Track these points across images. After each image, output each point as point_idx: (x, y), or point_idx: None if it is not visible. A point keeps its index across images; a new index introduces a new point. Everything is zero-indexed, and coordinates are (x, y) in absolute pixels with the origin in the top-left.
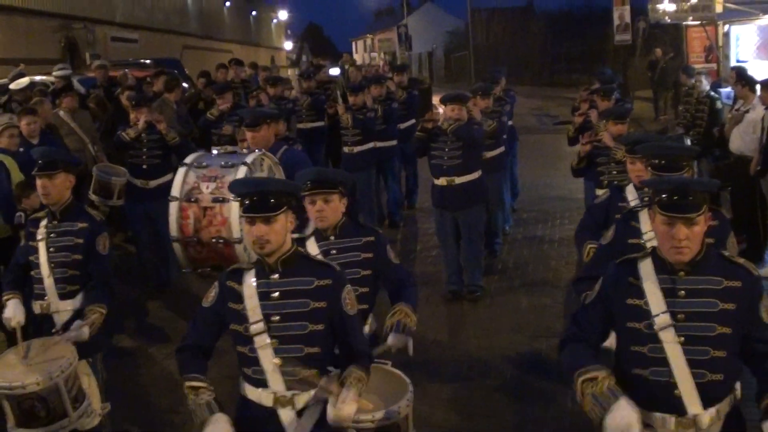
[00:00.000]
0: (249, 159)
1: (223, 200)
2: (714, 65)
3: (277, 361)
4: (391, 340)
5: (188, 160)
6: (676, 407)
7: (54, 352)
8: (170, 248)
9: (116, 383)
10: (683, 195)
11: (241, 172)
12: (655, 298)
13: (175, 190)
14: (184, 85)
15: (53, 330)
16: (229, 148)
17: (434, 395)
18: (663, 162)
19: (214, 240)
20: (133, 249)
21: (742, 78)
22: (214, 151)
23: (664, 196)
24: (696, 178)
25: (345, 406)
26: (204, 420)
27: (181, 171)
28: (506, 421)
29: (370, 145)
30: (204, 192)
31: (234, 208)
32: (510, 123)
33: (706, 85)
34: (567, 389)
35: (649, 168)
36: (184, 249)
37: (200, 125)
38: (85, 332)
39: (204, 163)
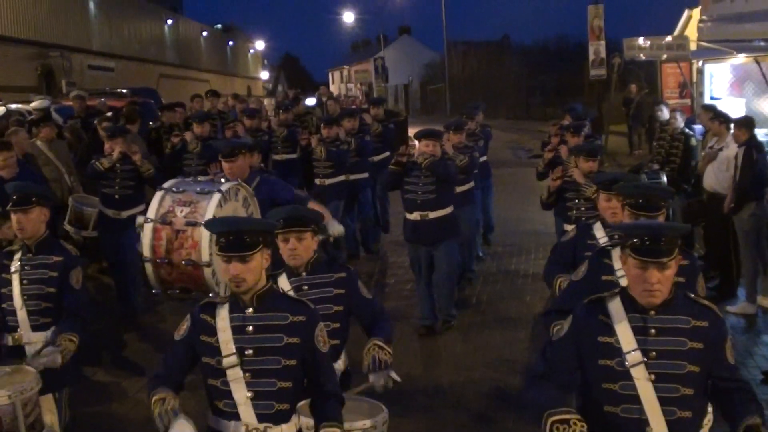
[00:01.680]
0: (224, 187)
1: (195, 224)
2: (688, 101)
3: (249, 394)
4: (372, 378)
5: (166, 185)
6: None
7: (16, 377)
8: (136, 276)
9: (89, 417)
10: (656, 240)
11: (215, 199)
12: (625, 336)
13: (151, 213)
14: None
15: (24, 361)
16: (201, 178)
17: (406, 429)
18: (641, 201)
19: (184, 262)
20: (108, 280)
21: (719, 115)
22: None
23: (636, 240)
24: (668, 223)
25: None
26: (167, 425)
27: (159, 195)
28: None
29: (342, 177)
30: (178, 216)
31: (205, 233)
32: (484, 159)
33: (680, 121)
34: (539, 426)
35: (626, 208)
36: (155, 269)
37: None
38: (58, 358)
39: (181, 189)
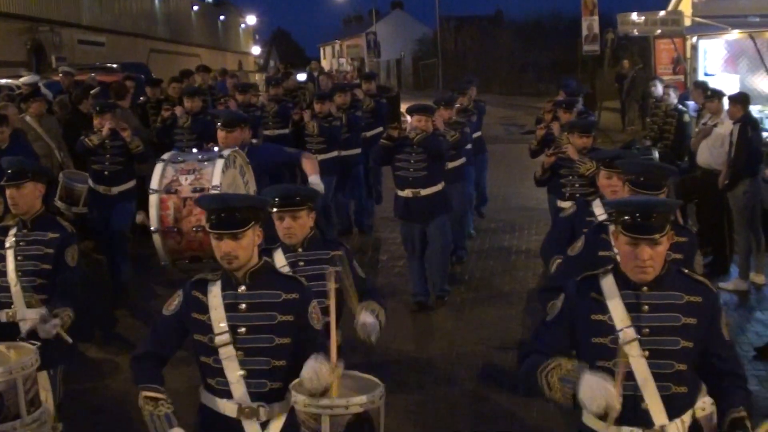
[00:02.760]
0: (225, 153)
1: (203, 190)
2: (681, 77)
3: (242, 372)
4: (363, 316)
5: (165, 156)
6: (643, 420)
7: (16, 353)
8: (125, 251)
9: (82, 393)
10: (646, 216)
11: (219, 165)
12: (618, 313)
13: (155, 183)
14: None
15: (18, 338)
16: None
17: (399, 406)
18: (642, 179)
19: (194, 229)
20: (101, 257)
21: (715, 93)
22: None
23: (626, 217)
24: (659, 199)
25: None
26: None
27: (159, 166)
28: None
29: (334, 153)
30: (183, 184)
31: None
32: (478, 134)
33: (674, 98)
34: (533, 402)
35: (628, 184)
36: (163, 240)
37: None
38: (54, 331)
39: (181, 159)
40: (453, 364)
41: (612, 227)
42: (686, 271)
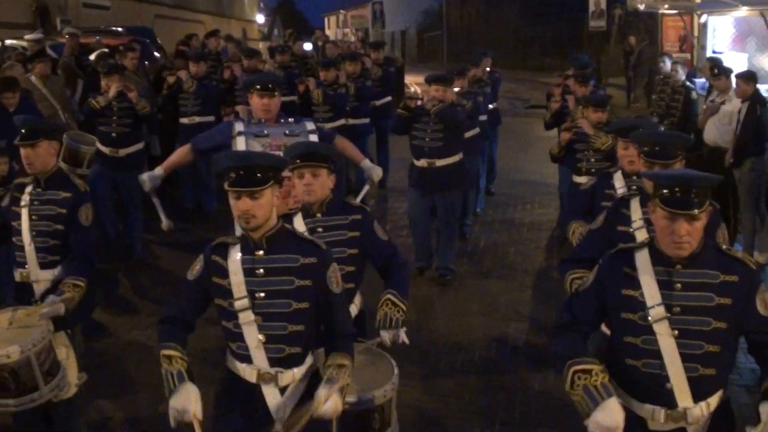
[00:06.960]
0: (310, 126)
1: None
2: (688, 55)
3: (261, 337)
4: (383, 335)
5: (240, 128)
6: (667, 400)
7: (28, 323)
8: (136, 217)
9: (83, 354)
10: (686, 190)
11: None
12: (650, 290)
13: None
14: (156, 54)
15: (32, 300)
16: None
17: (403, 376)
18: (657, 149)
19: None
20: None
21: (723, 70)
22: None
23: (665, 191)
24: (700, 173)
25: (330, 403)
26: (173, 389)
27: (241, 139)
28: (476, 403)
29: (341, 121)
30: None
31: None
32: (494, 105)
33: (681, 74)
34: (535, 372)
35: (642, 155)
36: None
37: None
38: (61, 308)
39: (265, 132)
40: (457, 335)
41: (634, 201)
42: (724, 248)
